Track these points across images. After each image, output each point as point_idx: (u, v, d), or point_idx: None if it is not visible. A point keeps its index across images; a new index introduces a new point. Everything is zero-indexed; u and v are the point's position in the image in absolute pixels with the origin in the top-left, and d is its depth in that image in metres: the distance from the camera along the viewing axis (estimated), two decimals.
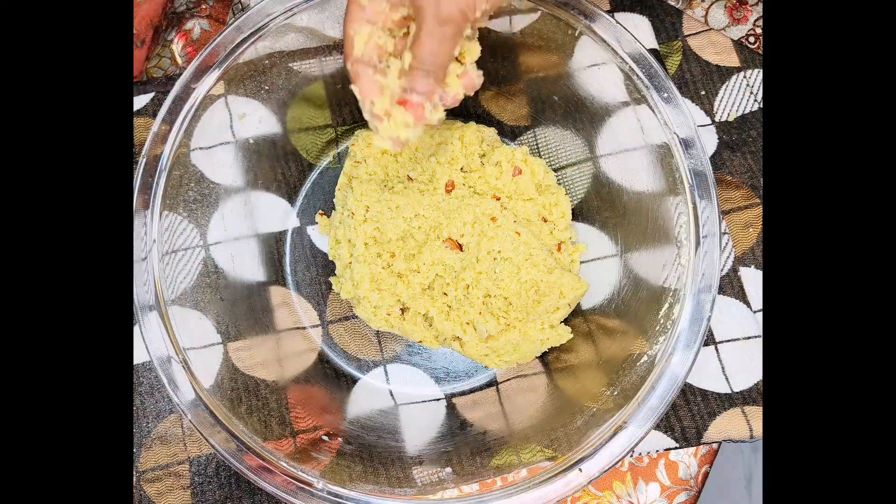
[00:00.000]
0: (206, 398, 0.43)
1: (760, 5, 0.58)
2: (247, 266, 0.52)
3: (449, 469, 0.46)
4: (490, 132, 0.53)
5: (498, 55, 0.53)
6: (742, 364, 0.50)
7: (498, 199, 0.51)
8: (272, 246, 0.54)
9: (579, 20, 0.47)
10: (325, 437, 0.47)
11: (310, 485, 0.42)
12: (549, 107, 0.53)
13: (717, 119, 0.56)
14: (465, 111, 0.56)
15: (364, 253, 0.49)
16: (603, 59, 0.48)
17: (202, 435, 0.42)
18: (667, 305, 0.45)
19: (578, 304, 0.53)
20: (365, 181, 0.51)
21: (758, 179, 0.54)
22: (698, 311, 0.43)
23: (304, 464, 0.43)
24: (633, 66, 0.47)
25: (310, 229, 0.55)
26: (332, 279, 0.52)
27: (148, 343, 0.43)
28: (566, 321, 0.51)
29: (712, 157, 0.55)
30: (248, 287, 0.51)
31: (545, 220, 0.52)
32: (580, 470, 0.41)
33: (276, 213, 0.54)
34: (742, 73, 0.56)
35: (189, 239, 0.48)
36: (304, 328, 0.53)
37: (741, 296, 0.52)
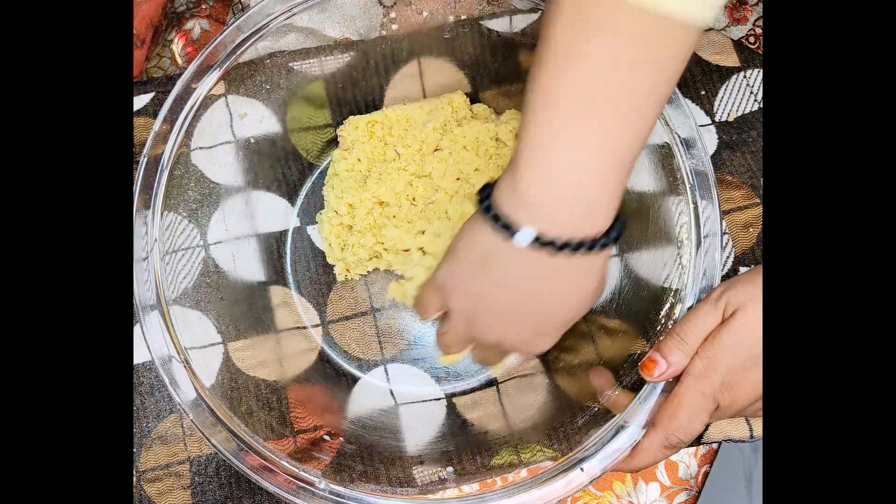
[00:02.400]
0: (207, 397, 0.43)
1: (760, 5, 0.58)
2: (247, 266, 0.52)
3: (450, 469, 0.46)
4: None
5: (498, 55, 0.53)
6: None
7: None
8: (272, 246, 0.54)
9: None
10: (326, 437, 0.47)
11: (311, 484, 0.42)
12: None
13: (717, 119, 0.56)
14: None
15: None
16: None
17: (203, 434, 0.42)
18: (668, 305, 0.45)
19: None
20: (345, 178, 0.51)
21: (758, 179, 0.54)
22: None
23: (305, 463, 0.43)
24: None
25: (310, 229, 0.55)
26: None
27: (149, 342, 0.43)
28: None
29: (712, 157, 0.55)
30: (248, 287, 0.51)
31: None
32: (581, 469, 0.41)
33: (277, 213, 0.54)
34: (742, 73, 0.56)
35: (189, 239, 0.48)
36: (304, 328, 0.53)
37: None
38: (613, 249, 0.39)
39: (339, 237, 0.51)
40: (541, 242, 0.36)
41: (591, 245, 0.36)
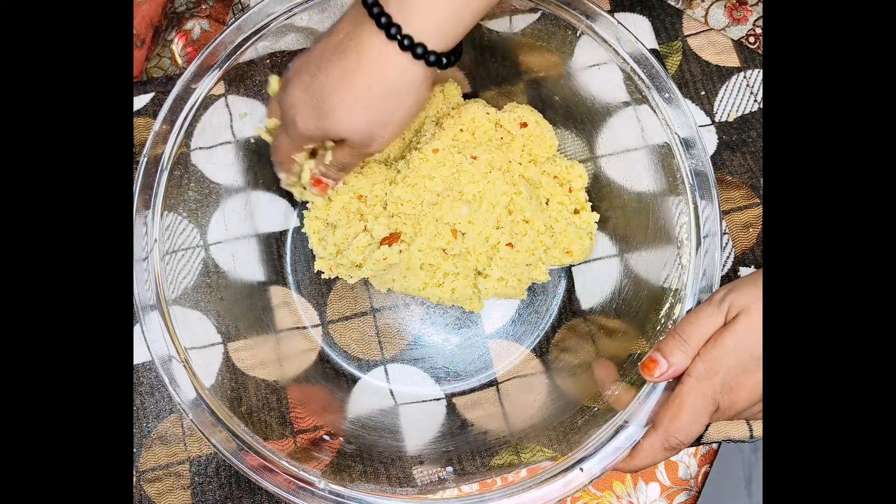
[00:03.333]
0: (208, 398, 0.43)
1: (760, 5, 0.58)
2: (247, 266, 0.52)
3: (449, 469, 0.46)
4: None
5: (498, 55, 0.53)
6: None
7: (475, 158, 0.49)
8: (272, 246, 0.54)
9: (580, 20, 0.47)
10: (326, 437, 0.47)
11: (311, 484, 0.42)
12: (550, 107, 0.53)
13: (716, 119, 0.56)
14: None
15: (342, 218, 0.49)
16: (603, 59, 0.48)
17: (203, 434, 0.42)
18: (668, 305, 0.45)
19: (579, 304, 0.53)
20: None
21: (758, 179, 0.54)
22: None
23: (305, 463, 0.43)
24: (634, 66, 0.47)
25: None
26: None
27: (149, 342, 0.43)
28: (566, 319, 0.51)
29: (712, 158, 0.55)
30: (248, 287, 0.51)
31: (561, 184, 0.52)
32: (581, 469, 0.41)
33: (277, 213, 0.54)
34: (742, 73, 0.56)
35: (189, 239, 0.48)
36: (304, 328, 0.53)
37: None
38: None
39: (317, 233, 0.50)
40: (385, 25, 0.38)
41: (422, 52, 0.39)
